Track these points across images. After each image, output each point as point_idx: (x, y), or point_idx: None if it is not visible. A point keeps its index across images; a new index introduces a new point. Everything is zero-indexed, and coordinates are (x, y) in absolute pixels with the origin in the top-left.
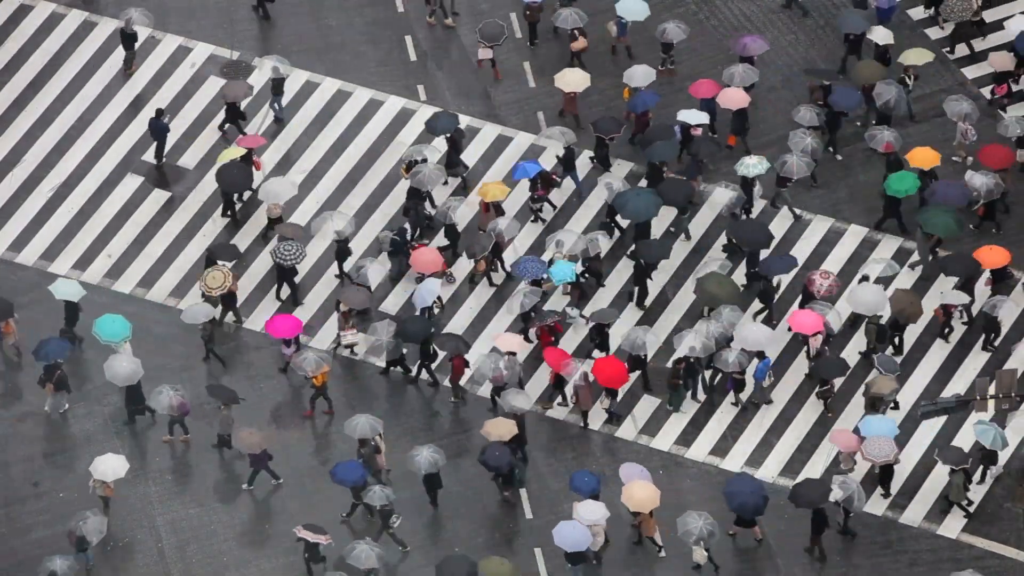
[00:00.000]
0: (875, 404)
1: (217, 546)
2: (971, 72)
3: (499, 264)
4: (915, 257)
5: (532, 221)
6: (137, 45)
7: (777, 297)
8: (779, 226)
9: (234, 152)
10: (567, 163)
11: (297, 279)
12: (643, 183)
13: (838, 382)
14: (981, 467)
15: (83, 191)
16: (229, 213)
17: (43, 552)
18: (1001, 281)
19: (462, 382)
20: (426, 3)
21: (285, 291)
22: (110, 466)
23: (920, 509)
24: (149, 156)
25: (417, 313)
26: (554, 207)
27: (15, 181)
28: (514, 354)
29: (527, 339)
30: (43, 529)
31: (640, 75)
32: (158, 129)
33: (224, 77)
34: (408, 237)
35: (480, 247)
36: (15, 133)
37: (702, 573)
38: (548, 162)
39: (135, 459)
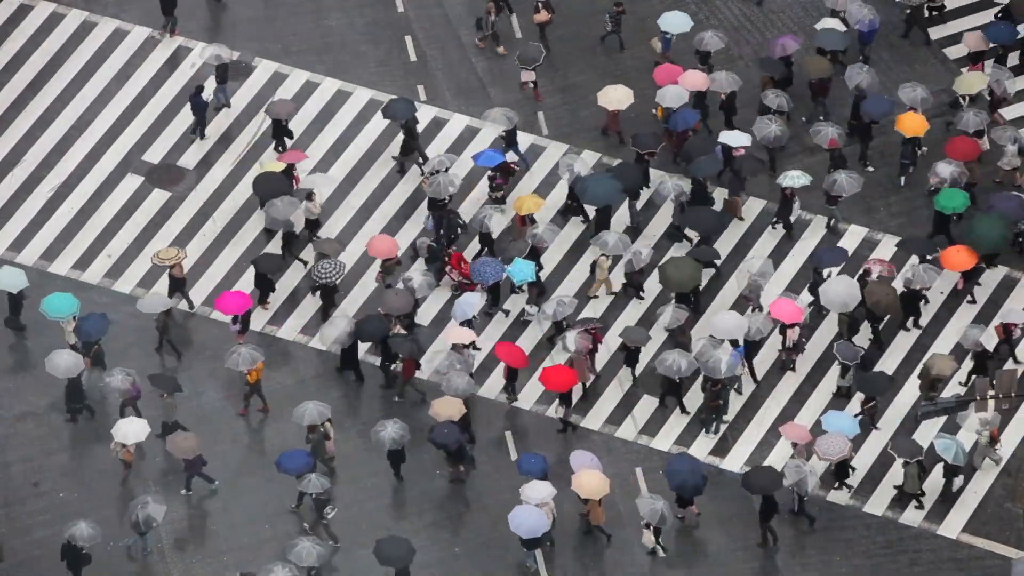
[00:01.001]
0: (934, 386)
1: (217, 546)
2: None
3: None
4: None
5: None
6: (176, 11)
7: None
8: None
9: (274, 167)
10: (509, 139)
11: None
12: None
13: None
14: (944, 481)
15: (83, 191)
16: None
17: (43, 552)
18: (972, 279)
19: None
20: (477, 28)
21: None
22: (132, 429)
23: (920, 509)
24: (149, 156)
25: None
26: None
27: (15, 181)
28: (467, 347)
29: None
30: (43, 529)
31: (673, 95)
32: (197, 105)
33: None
34: (445, 244)
35: (518, 252)
36: (15, 133)
37: (656, 557)
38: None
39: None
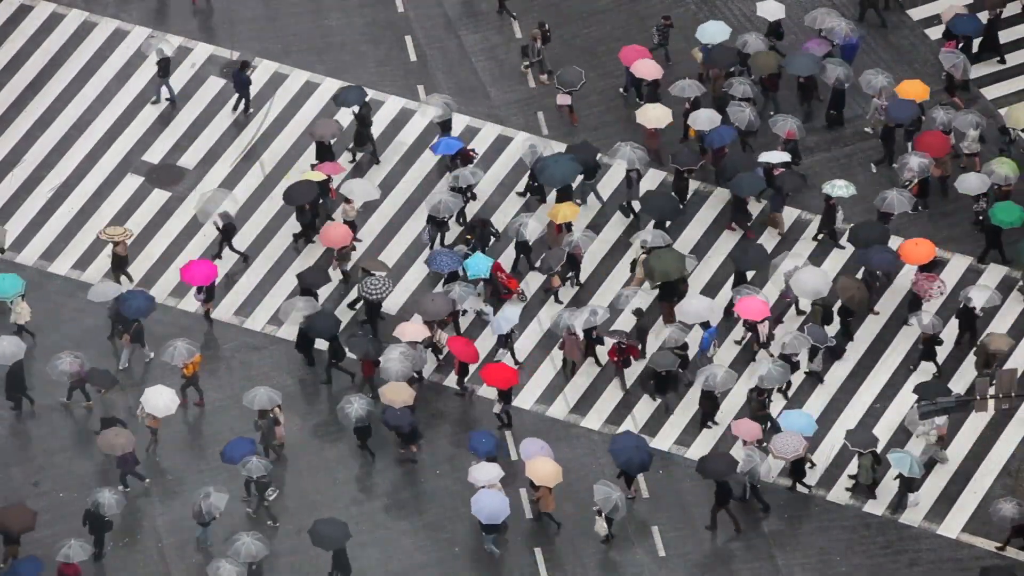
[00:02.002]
0: (989, 362)
1: (217, 546)
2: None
3: (575, 278)
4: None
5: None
6: None
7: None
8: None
9: (312, 176)
10: (444, 127)
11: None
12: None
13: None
14: (899, 493)
15: (83, 191)
16: (302, 233)
17: (43, 552)
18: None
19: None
20: (522, 55)
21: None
22: (161, 402)
23: (920, 509)
24: (149, 156)
25: (495, 341)
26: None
27: (15, 181)
28: (419, 343)
29: (597, 362)
30: (43, 529)
31: (704, 119)
32: (240, 82)
33: (224, 77)
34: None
35: (555, 259)
36: (15, 133)
37: (611, 545)
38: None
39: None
